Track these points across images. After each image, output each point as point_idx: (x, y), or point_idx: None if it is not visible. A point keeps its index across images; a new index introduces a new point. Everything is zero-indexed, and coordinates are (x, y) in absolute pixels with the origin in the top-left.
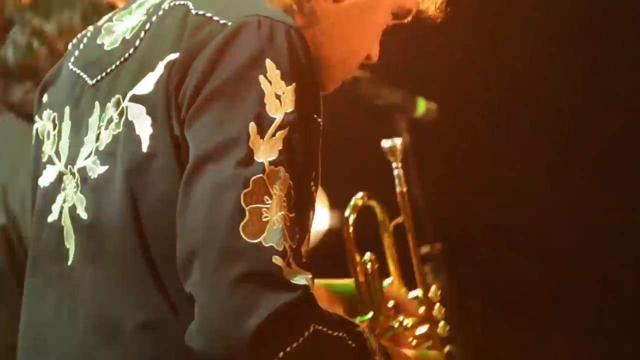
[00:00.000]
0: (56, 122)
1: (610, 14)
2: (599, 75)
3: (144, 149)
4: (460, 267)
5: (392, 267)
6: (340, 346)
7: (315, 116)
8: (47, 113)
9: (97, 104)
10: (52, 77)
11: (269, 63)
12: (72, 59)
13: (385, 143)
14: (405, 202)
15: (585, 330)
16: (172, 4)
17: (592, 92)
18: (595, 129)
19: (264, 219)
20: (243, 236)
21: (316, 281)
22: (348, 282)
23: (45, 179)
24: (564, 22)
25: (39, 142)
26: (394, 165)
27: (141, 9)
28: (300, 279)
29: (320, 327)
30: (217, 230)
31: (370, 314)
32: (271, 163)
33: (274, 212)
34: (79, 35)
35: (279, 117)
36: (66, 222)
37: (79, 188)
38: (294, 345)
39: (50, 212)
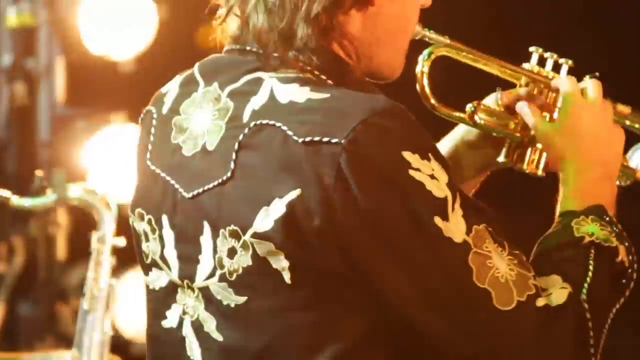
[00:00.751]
0: (154, 226)
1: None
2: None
3: (287, 280)
4: None
5: (492, 70)
6: (602, 268)
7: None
8: (138, 211)
9: (205, 224)
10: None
11: (406, 155)
12: (148, 155)
13: None
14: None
15: None
16: (258, 122)
17: None
18: None
19: (502, 280)
20: (503, 309)
21: None
22: None
23: (154, 282)
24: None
25: (138, 238)
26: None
27: (207, 105)
28: (559, 294)
29: (582, 297)
30: (486, 328)
31: (508, 144)
32: (468, 233)
33: (502, 267)
34: (144, 113)
35: (447, 194)
36: (188, 334)
37: (204, 306)
38: (590, 328)
39: (165, 317)
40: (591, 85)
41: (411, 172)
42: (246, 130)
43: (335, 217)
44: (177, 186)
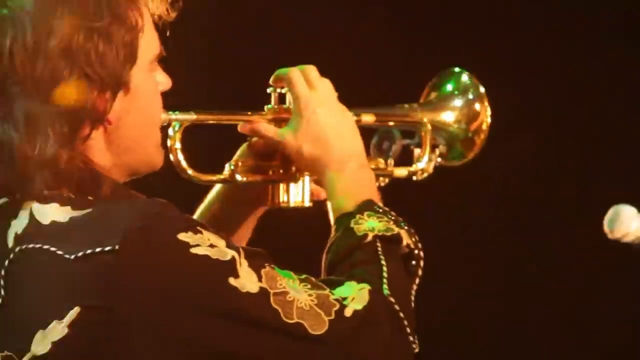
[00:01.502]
0: None
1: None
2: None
3: None
4: None
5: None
6: (393, 258)
7: None
8: None
9: None
10: None
11: (182, 236)
12: None
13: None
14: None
15: None
16: (23, 247)
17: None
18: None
19: (307, 308)
20: (320, 333)
21: None
22: None
23: None
24: None
25: None
26: (170, 117)
27: None
28: (360, 296)
29: (386, 292)
30: (313, 356)
31: (271, 187)
32: (260, 279)
33: (301, 296)
34: None
35: (232, 254)
36: None
37: None
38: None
39: None
40: (313, 77)
41: (192, 249)
42: (11, 256)
43: (120, 327)
44: None
